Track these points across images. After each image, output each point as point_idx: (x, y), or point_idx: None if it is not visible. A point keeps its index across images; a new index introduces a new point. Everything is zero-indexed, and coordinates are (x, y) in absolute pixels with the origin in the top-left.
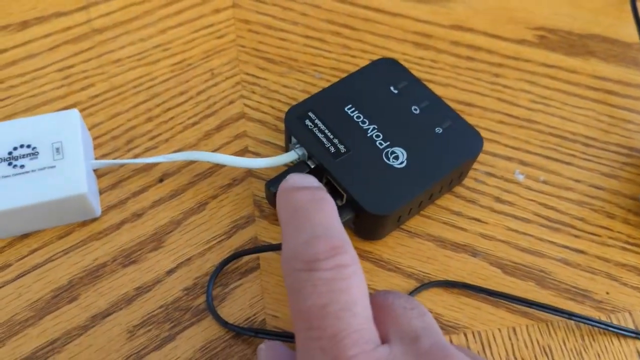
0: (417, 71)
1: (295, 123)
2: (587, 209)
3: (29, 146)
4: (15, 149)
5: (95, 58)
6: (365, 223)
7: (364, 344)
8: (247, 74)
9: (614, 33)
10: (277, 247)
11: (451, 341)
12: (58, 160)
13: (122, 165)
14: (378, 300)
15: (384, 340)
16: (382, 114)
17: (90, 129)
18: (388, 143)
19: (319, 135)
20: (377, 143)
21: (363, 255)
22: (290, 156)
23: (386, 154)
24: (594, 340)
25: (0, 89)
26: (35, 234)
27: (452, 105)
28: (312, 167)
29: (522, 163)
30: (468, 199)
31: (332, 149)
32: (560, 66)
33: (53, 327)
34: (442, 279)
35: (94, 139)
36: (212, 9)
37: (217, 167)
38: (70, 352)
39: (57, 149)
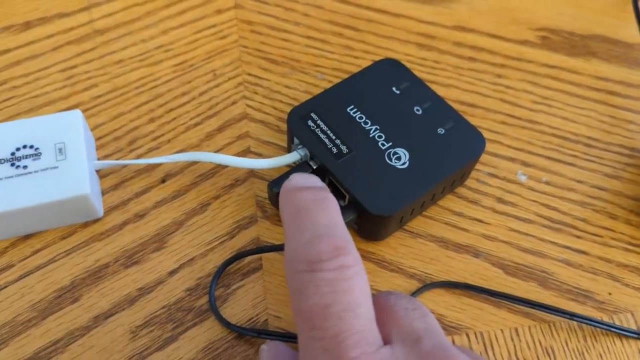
0: (419, 72)
1: (298, 124)
2: (589, 210)
3: (31, 147)
4: (18, 149)
5: (97, 59)
6: (367, 224)
7: (366, 345)
8: (250, 74)
9: (616, 33)
10: (279, 248)
11: (453, 342)
12: (61, 161)
13: (124, 166)
14: (380, 301)
15: (386, 341)
16: (384, 114)
17: (92, 130)
18: (390, 144)
19: (321, 136)
20: (380, 144)
21: (365, 256)
22: (293, 157)
23: (388, 154)
24: (596, 341)
25: (4, 90)
26: (38, 234)
27: (455, 106)
28: (315, 167)
29: (524, 164)
30: (470, 199)
31: (335, 150)
32: (562, 67)
33: (56, 328)
34: (444, 280)
35: (97, 139)
36: (214, 10)
37: (220, 167)
38: (73, 352)
39: (60, 150)
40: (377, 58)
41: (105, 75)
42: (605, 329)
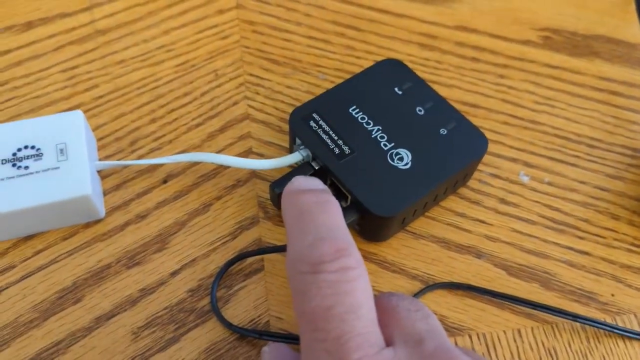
0: (421, 72)
1: (300, 124)
2: (591, 211)
3: (33, 147)
4: (19, 150)
5: (99, 59)
6: (369, 224)
7: (368, 347)
8: (251, 75)
9: (619, 34)
10: (281, 249)
11: (456, 343)
12: (62, 162)
13: (126, 167)
14: (382, 303)
15: (389, 342)
16: (386, 115)
17: (94, 130)
18: (392, 144)
19: (323, 136)
20: (382, 144)
21: (367, 257)
22: (295, 157)
23: (391, 155)
24: (599, 342)
25: (5, 90)
26: (40, 235)
27: (457, 106)
28: (317, 168)
29: (527, 164)
30: (472, 200)
31: (337, 150)
32: (564, 67)
33: (57, 329)
34: (446, 281)
35: (98, 140)
36: (216, 10)
37: (221, 168)
38: (75, 353)
39: (61, 150)
40: (379, 58)
41: (107, 75)
42: (609, 331)
